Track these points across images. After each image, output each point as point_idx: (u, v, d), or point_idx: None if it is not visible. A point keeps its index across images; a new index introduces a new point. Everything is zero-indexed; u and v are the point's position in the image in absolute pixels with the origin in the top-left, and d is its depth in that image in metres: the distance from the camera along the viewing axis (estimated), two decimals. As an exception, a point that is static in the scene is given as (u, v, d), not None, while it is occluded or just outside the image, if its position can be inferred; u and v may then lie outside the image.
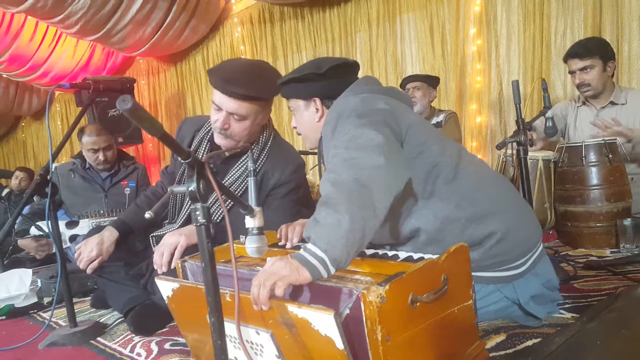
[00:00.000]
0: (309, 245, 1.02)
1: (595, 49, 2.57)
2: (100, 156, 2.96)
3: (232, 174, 1.82)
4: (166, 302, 1.30)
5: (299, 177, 1.92)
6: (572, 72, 2.66)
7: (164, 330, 1.76)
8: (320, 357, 0.97)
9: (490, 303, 1.36)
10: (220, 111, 1.70)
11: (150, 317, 1.76)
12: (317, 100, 1.52)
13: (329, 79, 1.49)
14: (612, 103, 2.65)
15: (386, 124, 1.28)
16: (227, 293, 1.05)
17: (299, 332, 0.97)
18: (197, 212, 0.92)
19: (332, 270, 1.00)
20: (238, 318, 0.97)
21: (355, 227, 1.02)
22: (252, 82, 1.67)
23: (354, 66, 1.56)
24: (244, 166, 1.82)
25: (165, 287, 1.26)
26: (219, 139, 1.77)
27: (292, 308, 0.95)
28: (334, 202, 1.05)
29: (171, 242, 1.61)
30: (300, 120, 1.59)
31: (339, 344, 0.91)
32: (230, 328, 1.02)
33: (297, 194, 1.93)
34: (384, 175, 1.13)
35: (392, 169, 1.16)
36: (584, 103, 2.75)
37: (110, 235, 1.85)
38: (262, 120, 1.81)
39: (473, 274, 1.27)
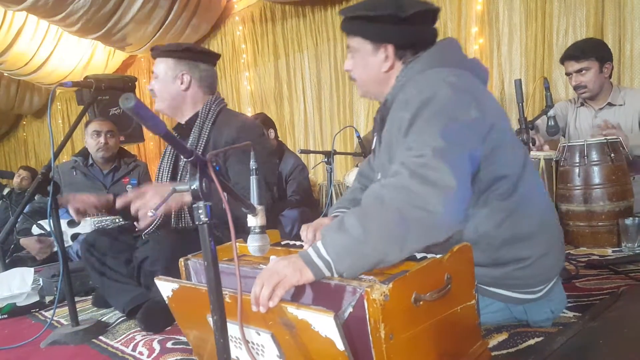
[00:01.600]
0: (319, 245, 1.02)
1: (591, 51, 2.56)
2: (102, 139, 2.98)
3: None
4: (167, 302, 1.30)
5: (249, 133, 1.86)
6: (568, 74, 2.66)
7: (168, 328, 1.76)
8: (321, 358, 0.97)
9: (499, 319, 1.34)
10: None
11: (159, 315, 1.74)
12: (390, 48, 1.31)
13: (411, 26, 1.27)
14: (610, 104, 2.65)
15: (470, 152, 1.12)
16: (226, 294, 1.05)
17: (299, 333, 0.97)
18: (200, 211, 0.92)
19: (335, 275, 1.01)
20: (241, 317, 0.97)
21: (372, 255, 0.99)
22: (159, 46, 1.98)
23: (436, 13, 1.33)
24: (193, 142, 1.88)
25: (165, 288, 1.26)
26: (155, 105, 1.98)
27: (292, 309, 0.95)
28: (368, 220, 1.00)
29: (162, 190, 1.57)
30: (360, 65, 1.37)
31: (340, 345, 0.91)
32: (231, 328, 1.02)
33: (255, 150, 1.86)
34: (433, 225, 1.03)
35: (445, 222, 1.04)
36: (582, 104, 2.75)
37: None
38: (174, 78, 1.92)
39: (486, 288, 1.26)
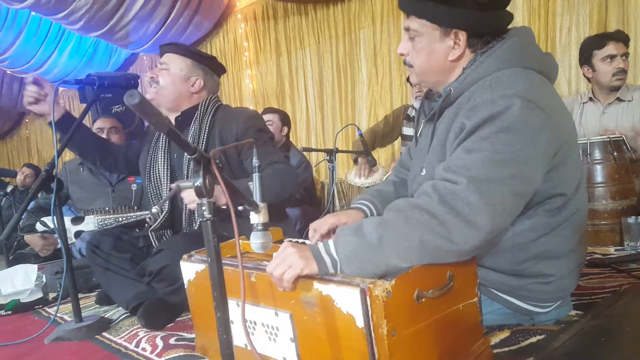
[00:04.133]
0: (331, 242, 1.04)
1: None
2: (104, 136, 3.00)
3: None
4: (186, 286, 1.32)
5: (257, 121, 2.00)
6: (612, 56, 2.53)
7: (169, 325, 1.77)
8: (337, 338, 0.98)
9: (502, 322, 1.33)
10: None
11: (160, 312, 1.76)
12: (462, 35, 1.15)
13: (489, 11, 1.13)
14: (619, 99, 2.64)
15: (519, 188, 1.03)
16: (252, 273, 1.06)
17: (319, 312, 0.98)
18: (203, 207, 0.93)
19: (339, 273, 1.03)
20: (243, 308, 0.97)
21: (380, 265, 1.00)
22: (182, 44, 2.06)
23: None
24: (193, 136, 1.92)
25: (189, 270, 1.28)
26: (149, 93, 1.99)
27: (317, 285, 0.97)
28: (386, 232, 1.00)
29: None
30: (422, 51, 1.20)
31: (360, 322, 0.92)
32: (251, 311, 1.03)
33: (268, 134, 2.01)
34: (450, 252, 1.00)
35: (464, 253, 1.02)
36: (590, 99, 2.74)
37: None
38: (188, 78, 1.97)
39: (498, 293, 1.26)
